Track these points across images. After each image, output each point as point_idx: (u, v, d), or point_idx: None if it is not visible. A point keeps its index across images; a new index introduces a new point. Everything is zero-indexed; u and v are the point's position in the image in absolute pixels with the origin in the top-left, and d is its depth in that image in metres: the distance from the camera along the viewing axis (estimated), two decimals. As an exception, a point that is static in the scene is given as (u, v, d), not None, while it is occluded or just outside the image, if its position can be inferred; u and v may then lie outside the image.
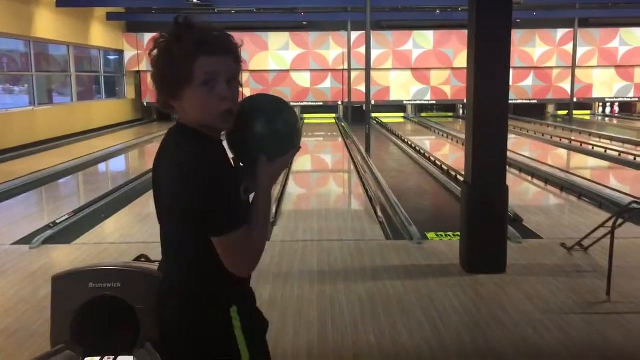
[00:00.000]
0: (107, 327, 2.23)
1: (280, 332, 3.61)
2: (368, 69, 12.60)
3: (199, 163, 1.47)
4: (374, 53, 20.04)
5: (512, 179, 8.68)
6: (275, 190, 7.73)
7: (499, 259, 4.67)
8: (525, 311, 3.95)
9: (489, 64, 4.45)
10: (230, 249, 1.51)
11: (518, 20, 18.82)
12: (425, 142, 14.86)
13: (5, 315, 3.96)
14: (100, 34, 18.37)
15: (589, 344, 3.53)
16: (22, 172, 9.84)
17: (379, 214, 6.64)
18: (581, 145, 12.97)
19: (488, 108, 4.49)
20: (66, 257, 5.29)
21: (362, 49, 20.55)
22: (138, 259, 3.07)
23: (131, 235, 6.10)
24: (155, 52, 1.51)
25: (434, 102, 21.73)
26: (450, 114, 22.31)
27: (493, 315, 3.89)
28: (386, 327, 3.70)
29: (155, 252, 5.33)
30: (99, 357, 2.29)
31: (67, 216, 6.74)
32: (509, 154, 4.90)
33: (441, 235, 5.85)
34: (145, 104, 21.26)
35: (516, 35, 19.77)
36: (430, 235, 5.85)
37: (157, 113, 21.73)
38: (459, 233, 5.96)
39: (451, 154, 12.89)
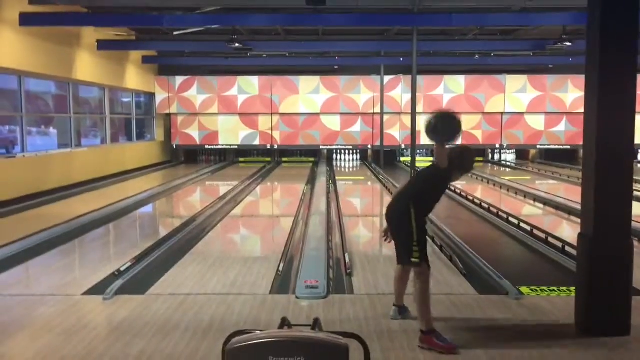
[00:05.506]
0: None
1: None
2: (414, 113, 12.44)
3: None
4: (405, 97, 19.98)
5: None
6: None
7: (623, 320, 4.31)
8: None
9: (613, 109, 4.19)
10: None
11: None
12: (462, 184, 14.55)
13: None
14: (134, 77, 18.43)
15: None
16: (62, 216, 9.53)
17: (460, 265, 6.29)
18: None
19: (612, 156, 4.21)
20: (146, 309, 4.96)
21: (393, 93, 20.65)
22: (282, 322, 2.76)
23: (202, 285, 5.77)
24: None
25: (464, 146, 21.47)
26: (481, 159, 22.05)
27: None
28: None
29: (235, 304, 4.93)
30: None
31: (129, 264, 6.46)
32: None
33: (536, 290, 5.49)
34: (174, 146, 21.18)
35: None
36: (524, 289, 5.49)
37: (184, 155, 21.64)
38: (554, 288, 5.62)
39: (487, 196, 12.55)
